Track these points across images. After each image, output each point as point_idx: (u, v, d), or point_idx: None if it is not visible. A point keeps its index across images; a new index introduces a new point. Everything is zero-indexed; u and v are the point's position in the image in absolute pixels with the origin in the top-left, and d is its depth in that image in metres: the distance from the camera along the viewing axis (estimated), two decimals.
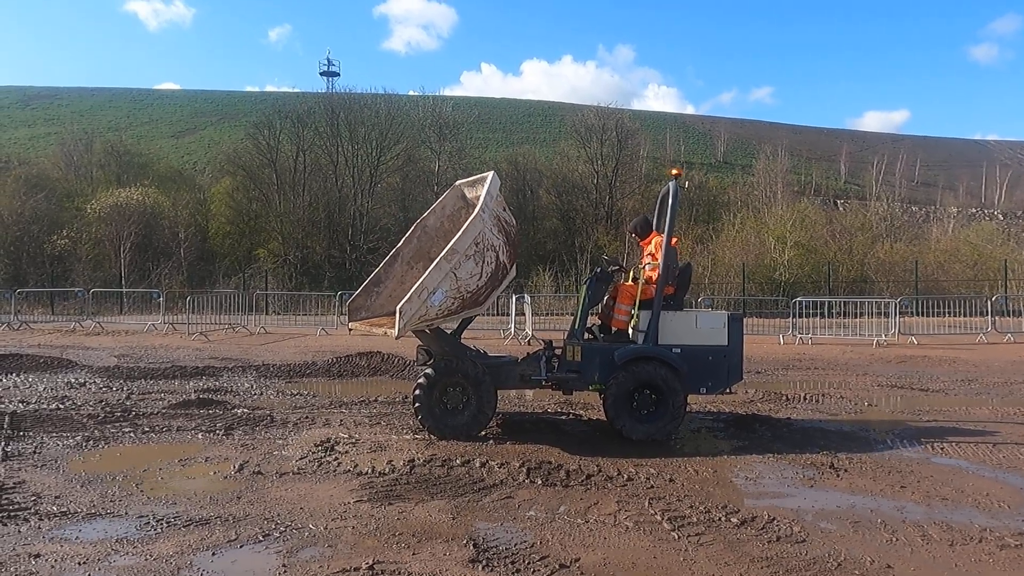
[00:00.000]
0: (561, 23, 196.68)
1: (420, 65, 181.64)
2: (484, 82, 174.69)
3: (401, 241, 9.42)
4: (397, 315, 7.43)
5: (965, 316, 20.31)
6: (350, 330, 9.19)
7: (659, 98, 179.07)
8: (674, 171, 8.54)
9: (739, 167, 63.12)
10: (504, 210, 8.02)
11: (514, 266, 8.15)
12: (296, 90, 65.01)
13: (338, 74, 79.30)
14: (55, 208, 39.81)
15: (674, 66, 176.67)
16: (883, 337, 18.49)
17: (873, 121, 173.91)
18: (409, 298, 7.49)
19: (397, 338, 7.69)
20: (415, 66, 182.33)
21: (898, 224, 42.02)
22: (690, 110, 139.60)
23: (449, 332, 8.44)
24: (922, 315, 21.07)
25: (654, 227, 9.04)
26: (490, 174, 8.08)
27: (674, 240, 8.27)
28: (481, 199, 7.80)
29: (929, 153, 76.34)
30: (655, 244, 8.37)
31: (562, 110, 70.16)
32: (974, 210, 59.00)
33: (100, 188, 42.09)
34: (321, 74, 79.92)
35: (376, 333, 8.62)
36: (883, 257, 33.78)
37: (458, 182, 9.33)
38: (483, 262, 7.61)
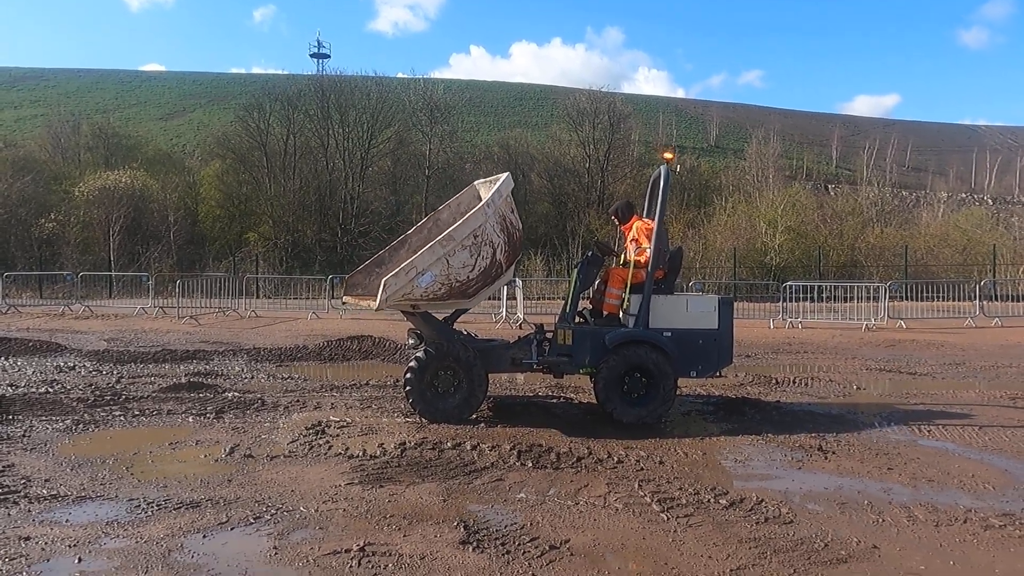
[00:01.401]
0: (550, 4, 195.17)
1: (408, 47, 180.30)
2: (473, 64, 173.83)
3: (412, 229, 9.50)
4: (381, 287, 7.47)
5: (954, 300, 20.44)
6: (343, 302, 9.25)
7: (649, 81, 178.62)
8: (666, 155, 8.52)
9: (731, 151, 63.13)
10: (512, 212, 8.04)
11: (511, 268, 8.20)
12: (285, 72, 64.43)
13: (328, 56, 78.68)
14: (43, 191, 39.45)
15: (664, 48, 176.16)
16: (872, 321, 18.59)
17: (863, 105, 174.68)
18: (396, 273, 7.54)
19: (376, 309, 7.75)
20: (402, 48, 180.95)
21: (888, 209, 42.14)
22: (680, 93, 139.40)
23: (441, 319, 8.46)
24: (911, 299, 21.21)
25: (645, 211, 9.04)
26: (504, 175, 8.13)
27: (653, 224, 8.26)
28: (489, 195, 7.86)
29: (920, 138, 76.53)
30: (636, 229, 8.37)
31: (554, 93, 69.95)
32: (964, 195, 59.25)
33: (88, 171, 41.70)
34: (311, 56, 79.26)
35: (362, 305, 8.77)
36: (873, 242, 33.90)
37: (476, 182, 9.41)
38: (478, 255, 7.62)
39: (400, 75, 61.02)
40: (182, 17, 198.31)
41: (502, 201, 7.81)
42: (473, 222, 7.60)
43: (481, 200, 8.99)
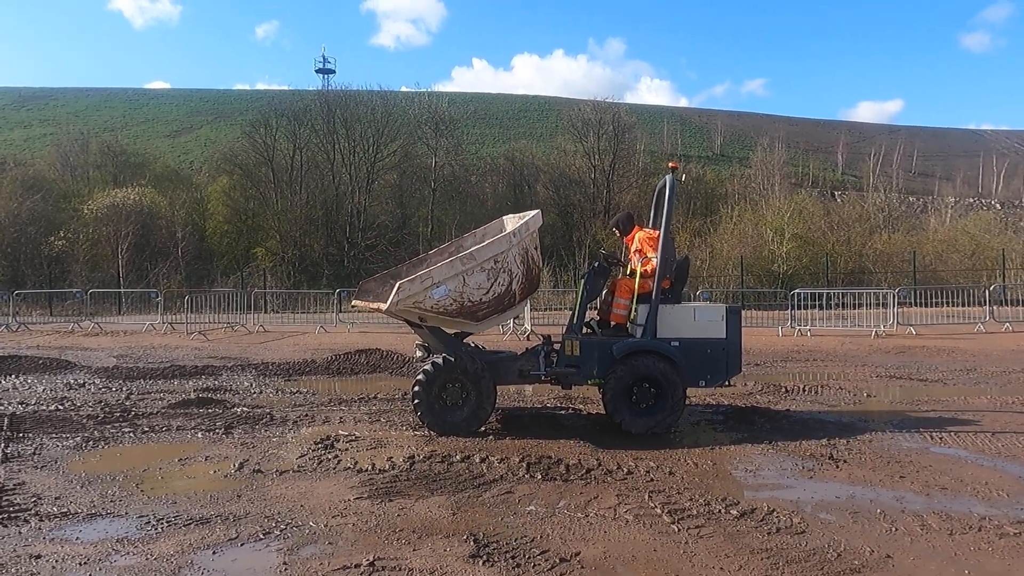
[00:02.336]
0: (551, 16, 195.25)
1: (410, 61, 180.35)
2: (475, 77, 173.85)
3: (434, 250, 9.68)
4: (394, 288, 7.59)
5: (963, 306, 20.34)
6: (352, 305, 9.35)
7: (652, 91, 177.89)
8: (671, 164, 8.53)
9: (736, 160, 63.10)
10: (535, 249, 8.15)
11: (524, 302, 8.25)
12: (290, 88, 64.99)
13: (334, 71, 78.97)
14: (52, 209, 39.74)
15: (666, 58, 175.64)
16: (882, 328, 18.50)
17: (867, 111, 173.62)
18: (412, 279, 7.68)
19: (386, 311, 7.84)
20: (405, 62, 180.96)
21: (896, 215, 42.01)
22: (683, 103, 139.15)
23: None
24: (920, 305, 21.12)
25: (651, 220, 9.04)
26: (535, 212, 8.24)
27: (656, 233, 8.26)
28: (516, 225, 7.99)
29: (926, 143, 76.34)
30: (639, 240, 8.38)
31: (558, 104, 70.10)
32: (971, 200, 59.00)
33: (97, 188, 42.06)
34: (317, 71, 79.60)
35: (371, 308, 8.93)
36: (881, 248, 33.80)
37: (505, 216, 9.58)
38: (495, 281, 7.72)
39: (404, 88, 61.37)
40: (185, 34, 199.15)
41: (527, 235, 7.94)
42: (496, 247, 7.74)
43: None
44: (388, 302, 7.62)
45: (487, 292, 7.71)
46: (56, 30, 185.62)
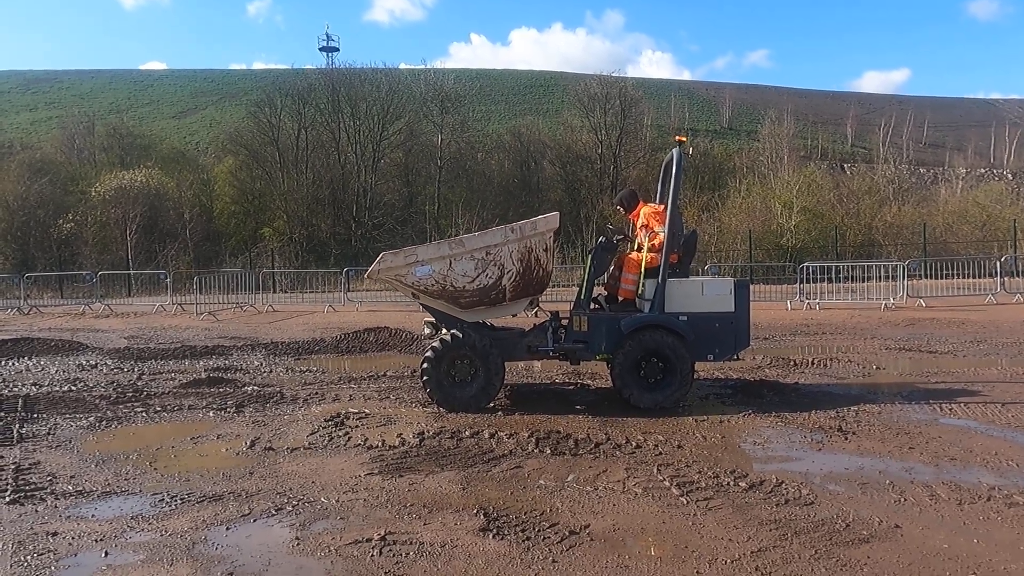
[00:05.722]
0: None
1: (406, 37, 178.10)
2: (473, 53, 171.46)
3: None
4: (378, 258, 7.74)
5: (974, 277, 20.20)
6: (368, 276, 9.43)
7: (653, 64, 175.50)
8: (678, 138, 8.46)
9: (744, 133, 62.59)
10: (544, 251, 7.85)
11: (521, 303, 8.17)
12: (288, 67, 64.72)
13: (337, 49, 78.66)
14: (60, 192, 39.88)
15: (666, 30, 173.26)
16: (891, 300, 18.42)
17: (873, 81, 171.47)
18: (396, 252, 7.83)
19: (367, 277, 8.09)
20: (401, 38, 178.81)
21: (906, 187, 41.60)
22: (686, 75, 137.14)
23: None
24: (930, 277, 21.00)
25: (658, 195, 9.00)
26: (554, 214, 8.09)
27: (662, 207, 8.22)
28: (524, 222, 7.87)
29: (937, 114, 75.40)
30: (645, 215, 8.33)
31: (563, 80, 69.59)
32: (983, 170, 58.33)
33: (104, 171, 42.15)
34: (320, 49, 79.29)
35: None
36: (891, 220, 33.57)
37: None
38: (483, 272, 7.68)
39: (403, 66, 60.87)
40: (178, 13, 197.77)
41: (534, 233, 7.78)
42: (489, 238, 7.71)
43: None
44: (370, 269, 7.82)
45: (473, 281, 7.69)
46: (51, 12, 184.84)
